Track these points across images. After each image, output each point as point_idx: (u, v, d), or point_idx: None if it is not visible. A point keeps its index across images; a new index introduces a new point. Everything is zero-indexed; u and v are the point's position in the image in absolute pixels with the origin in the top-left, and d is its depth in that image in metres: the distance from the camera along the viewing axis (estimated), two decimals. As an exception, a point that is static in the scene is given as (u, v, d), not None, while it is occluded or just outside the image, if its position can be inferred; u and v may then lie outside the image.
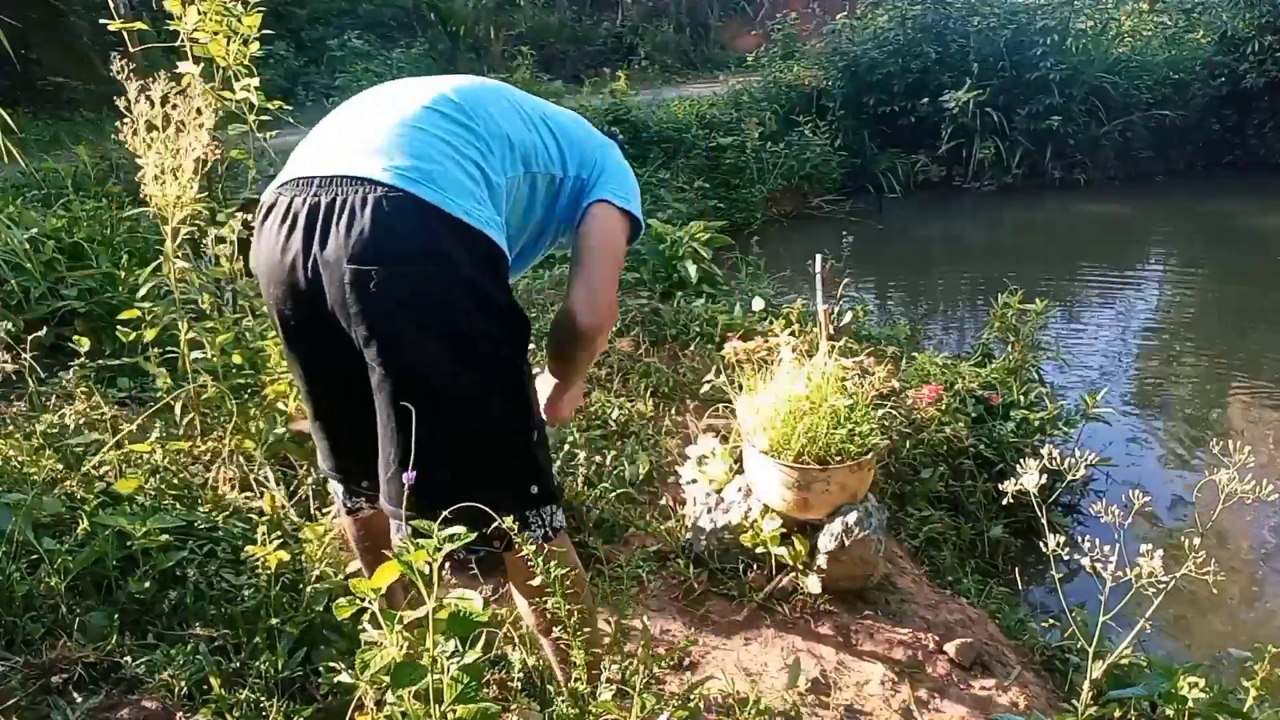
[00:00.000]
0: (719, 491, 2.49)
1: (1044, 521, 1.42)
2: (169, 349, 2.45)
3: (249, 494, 2.26)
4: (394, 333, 1.29)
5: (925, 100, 10.17)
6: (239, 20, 2.48)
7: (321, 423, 1.52)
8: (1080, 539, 1.35)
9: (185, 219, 2.28)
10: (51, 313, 3.23)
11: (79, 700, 1.52)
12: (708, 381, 2.62)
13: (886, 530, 2.39)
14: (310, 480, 2.30)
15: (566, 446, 2.76)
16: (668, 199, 7.68)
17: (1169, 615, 2.92)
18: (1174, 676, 1.71)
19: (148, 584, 1.79)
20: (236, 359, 2.49)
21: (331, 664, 1.37)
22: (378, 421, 1.36)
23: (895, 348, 4.00)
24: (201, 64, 2.48)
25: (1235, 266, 7.63)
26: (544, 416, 1.65)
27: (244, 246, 2.57)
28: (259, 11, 2.51)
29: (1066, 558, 1.41)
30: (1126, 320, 6.31)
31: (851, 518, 2.21)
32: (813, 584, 2.26)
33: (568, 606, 1.32)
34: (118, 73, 2.14)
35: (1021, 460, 1.52)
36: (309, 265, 1.28)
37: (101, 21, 2.96)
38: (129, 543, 1.81)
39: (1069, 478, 1.39)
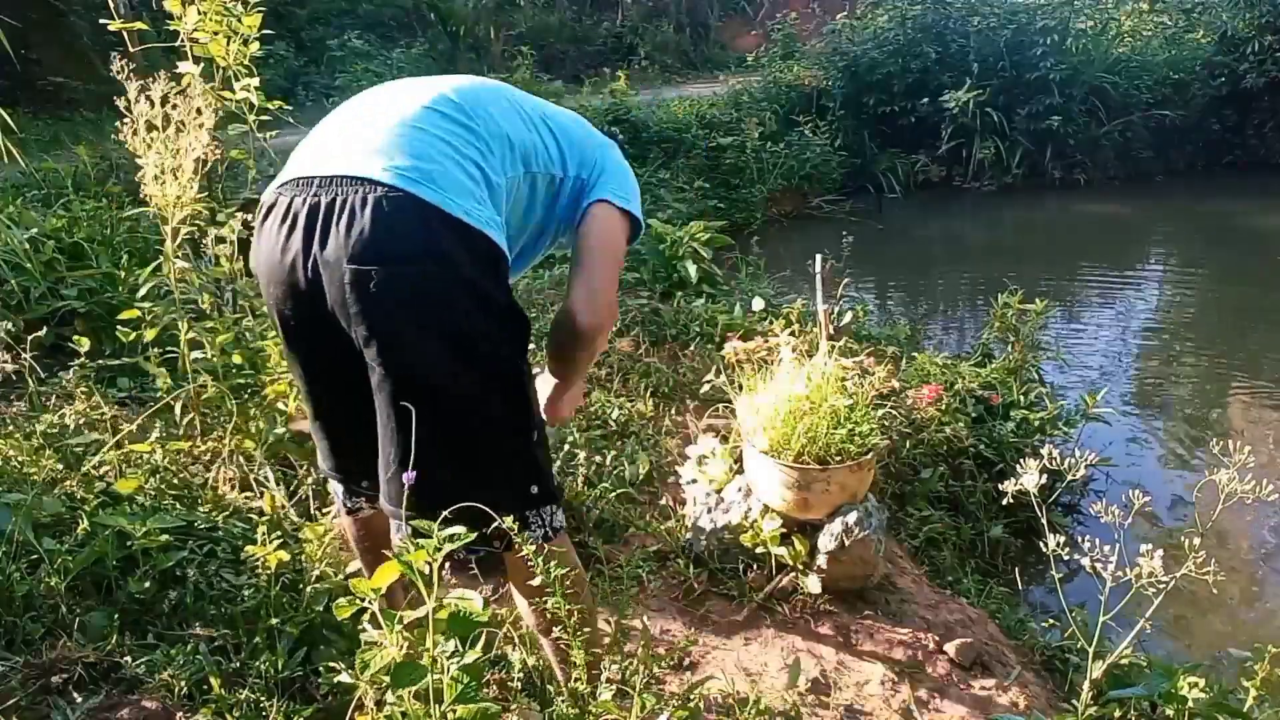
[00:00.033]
0: (719, 491, 2.49)
1: (1044, 521, 1.42)
2: (169, 349, 2.45)
3: (249, 494, 2.26)
4: (394, 333, 1.29)
5: (925, 100, 10.17)
6: (239, 20, 2.48)
7: (321, 423, 1.52)
8: (1080, 539, 1.35)
9: (185, 219, 2.28)
10: (51, 313, 3.23)
11: (79, 700, 1.52)
12: (708, 381, 2.62)
13: (886, 530, 2.39)
14: (310, 480, 2.30)
15: (566, 446, 2.76)
16: (668, 199, 7.68)
17: (1169, 615, 2.92)
18: (1174, 676, 1.70)
19: (148, 584, 1.79)
20: (236, 359, 2.49)
21: (331, 664, 1.37)
22: (378, 421, 1.36)
23: (895, 348, 4.00)
24: (201, 64, 2.48)
25: (1235, 266, 7.63)
26: (544, 417, 1.65)
27: (244, 246, 2.58)
28: (259, 11, 2.51)
29: (1066, 558, 1.41)
30: (1126, 320, 6.31)
31: (851, 518, 2.21)
32: (813, 584, 2.26)
33: (567, 606, 1.32)
34: (117, 72, 2.14)
35: (1021, 460, 1.52)
36: (309, 265, 1.28)
37: (101, 21, 2.96)
38: (129, 543, 1.81)
39: (1069, 478, 1.40)
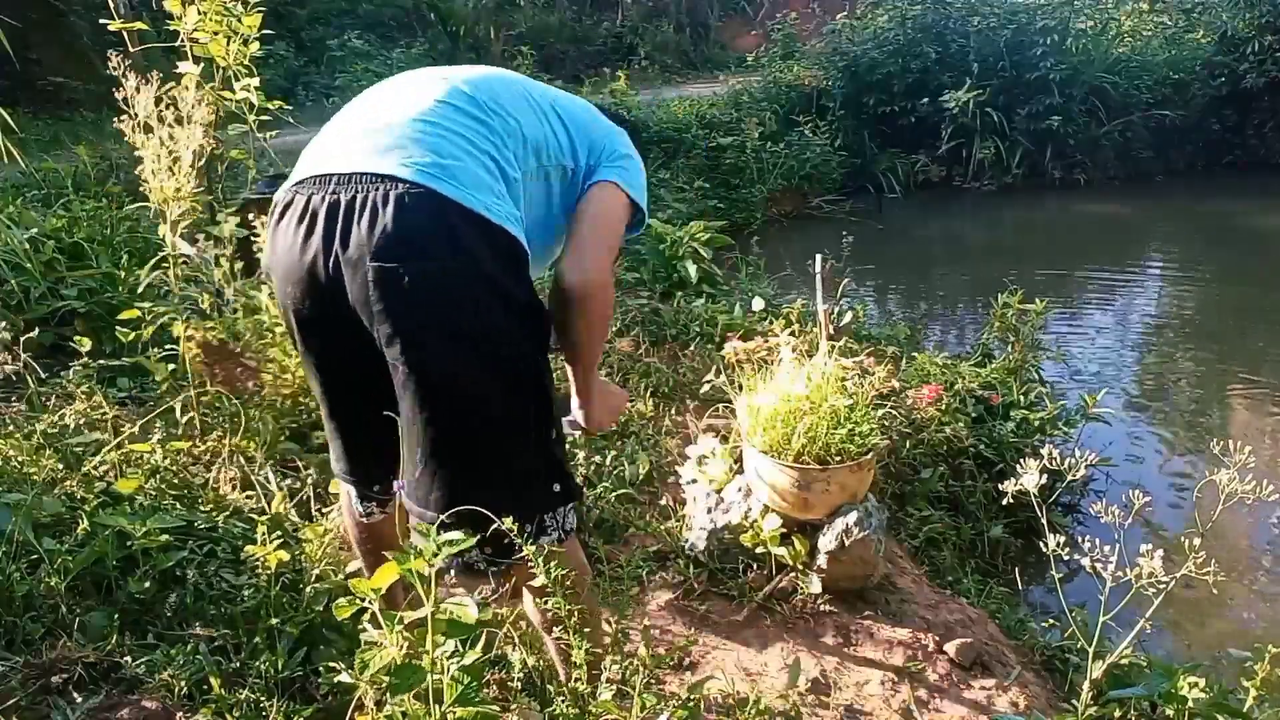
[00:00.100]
0: (719, 491, 2.49)
1: (1044, 521, 1.42)
2: (170, 348, 2.45)
3: (249, 494, 2.26)
4: (416, 330, 1.27)
5: (925, 100, 10.16)
6: (239, 20, 2.48)
7: (336, 424, 1.51)
8: (1080, 539, 1.35)
9: (184, 213, 2.28)
10: (51, 313, 3.23)
11: (79, 700, 1.52)
12: (708, 381, 2.62)
13: (886, 530, 2.39)
14: (311, 480, 2.30)
15: (566, 446, 2.76)
16: (668, 199, 7.68)
17: (1169, 615, 2.91)
18: (1174, 676, 1.70)
19: (148, 584, 1.79)
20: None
21: (331, 664, 1.36)
22: (401, 420, 1.35)
23: (895, 348, 4.00)
24: (201, 64, 2.48)
25: (1235, 266, 7.63)
26: (583, 427, 1.65)
27: (244, 246, 2.59)
28: (259, 11, 2.51)
29: (1066, 558, 1.41)
30: (1126, 320, 6.31)
31: (851, 518, 2.21)
32: (813, 584, 2.27)
33: (577, 607, 1.32)
34: (114, 69, 2.13)
35: (1021, 460, 1.52)
36: (330, 264, 1.27)
37: (101, 21, 2.96)
38: (129, 543, 1.81)
39: (1069, 478, 1.40)
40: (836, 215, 9.10)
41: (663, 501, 2.77)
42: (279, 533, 1.86)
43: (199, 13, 2.45)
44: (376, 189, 1.25)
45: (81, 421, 2.36)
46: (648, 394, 3.41)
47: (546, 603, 1.33)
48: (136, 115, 2.12)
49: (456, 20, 13.56)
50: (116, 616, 1.72)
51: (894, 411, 3.15)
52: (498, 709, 1.16)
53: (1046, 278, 7.14)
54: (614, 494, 2.65)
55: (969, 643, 2.20)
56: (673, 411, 3.37)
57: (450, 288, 1.27)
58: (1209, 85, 10.65)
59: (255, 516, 2.05)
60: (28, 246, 3.38)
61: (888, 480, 3.05)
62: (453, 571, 1.41)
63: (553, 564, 1.29)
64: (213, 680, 1.51)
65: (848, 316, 3.05)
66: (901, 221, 9.57)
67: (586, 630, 1.38)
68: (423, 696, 1.12)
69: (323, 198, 1.28)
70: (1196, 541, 1.32)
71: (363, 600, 1.14)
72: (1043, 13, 10.59)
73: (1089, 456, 1.47)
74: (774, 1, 14.63)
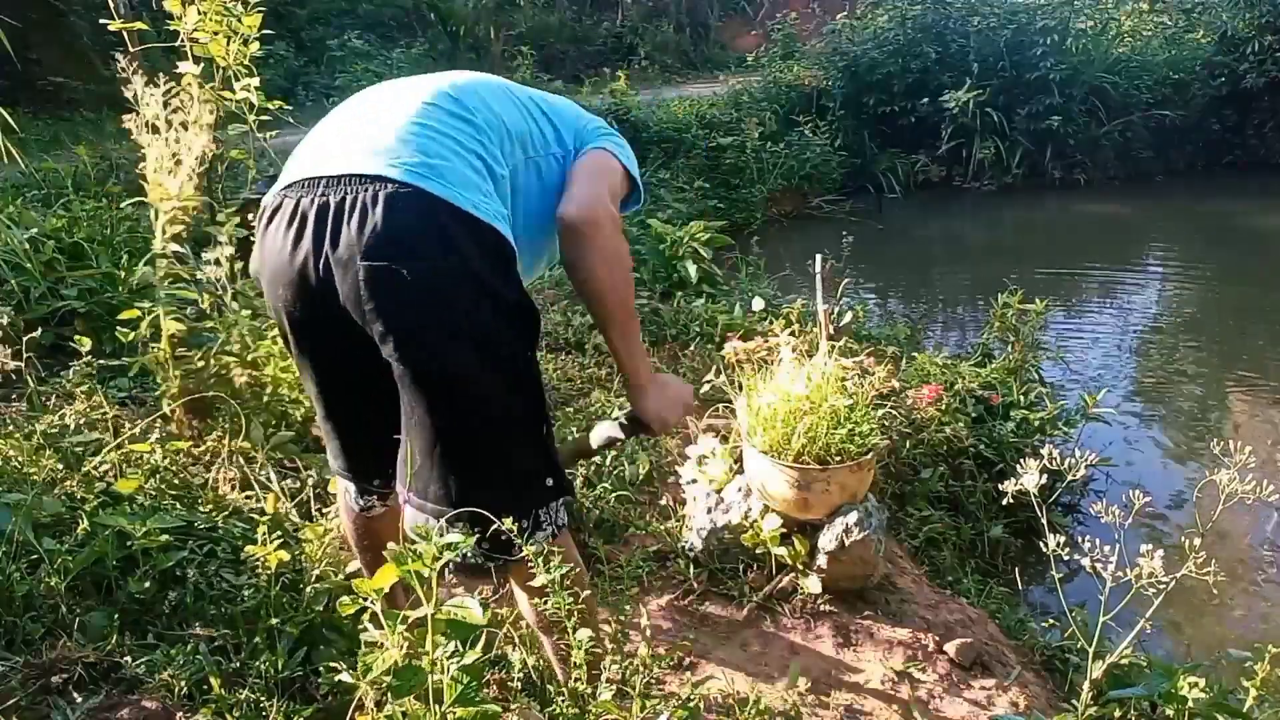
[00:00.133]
0: (719, 491, 2.49)
1: (1044, 521, 1.42)
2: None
3: (249, 494, 2.26)
4: (409, 328, 1.28)
5: (925, 100, 10.16)
6: (239, 20, 2.48)
7: (332, 423, 1.52)
8: (1080, 539, 1.35)
9: (176, 214, 2.28)
10: (51, 313, 3.23)
11: (79, 700, 1.51)
12: (708, 381, 2.62)
13: (886, 530, 2.39)
14: (311, 480, 2.30)
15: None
16: (668, 199, 7.68)
17: (1169, 615, 2.91)
18: (1174, 676, 1.70)
19: (148, 584, 1.79)
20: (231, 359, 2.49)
21: (331, 664, 1.37)
22: (402, 415, 1.36)
23: (895, 348, 4.00)
24: (201, 64, 2.48)
25: (1235, 266, 7.63)
26: (644, 424, 1.61)
27: (244, 246, 2.58)
28: (259, 11, 2.51)
29: (1066, 558, 1.41)
30: (1126, 320, 6.31)
31: (851, 518, 2.21)
32: (813, 584, 2.26)
33: (578, 607, 1.32)
34: (121, 70, 2.14)
35: (1021, 460, 1.52)
36: (320, 265, 1.28)
37: (101, 21, 2.96)
38: (129, 543, 1.81)
39: (1069, 478, 1.40)
40: (836, 215, 9.10)
41: (663, 501, 2.77)
42: (279, 533, 1.86)
43: (199, 13, 2.45)
44: (366, 190, 1.26)
45: (81, 421, 2.36)
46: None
47: (546, 602, 1.33)
48: (143, 115, 2.13)
49: (456, 20, 13.56)
50: (116, 616, 1.72)
51: (894, 411, 3.14)
52: (498, 709, 1.16)
53: (1046, 278, 7.14)
54: (614, 494, 2.65)
55: (969, 643, 2.20)
56: (673, 411, 3.37)
57: (441, 287, 1.28)
58: (1209, 85, 10.65)
59: (255, 516, 2.05)
60: (28, 246, 3.38)
61: (888, 480, 3.05)
62: (450, 568, 1.41)
63: (554, 563, 1.30)
64: (213, 680, 1.51)
65: (848, 316, 3.05)
66: (901, 221, 9.57)
67: (584, 627, 1.38)
68: (423, 696, 1.12)
69: (312, 200, 1.28)
70: (1196, 541, 1.32)
71: (364, 600, 1.14)
72: (1043, 13, 10.60)
73: (1089, 456, 1.47)
74: (774, 1, 14.62)
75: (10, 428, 2.34)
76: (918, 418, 3.24)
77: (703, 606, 2.29)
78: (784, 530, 2.28)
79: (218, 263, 2.47)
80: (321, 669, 1.61)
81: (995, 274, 6.89)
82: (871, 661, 2.14)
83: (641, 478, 2.81)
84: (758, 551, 2.33)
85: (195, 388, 2.37)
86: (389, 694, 1.12)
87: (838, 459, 2.21)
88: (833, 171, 9.79)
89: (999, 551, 3.11)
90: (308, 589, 1.81)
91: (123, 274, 3.38)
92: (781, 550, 2.28)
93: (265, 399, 2.51)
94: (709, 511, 2.45)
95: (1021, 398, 3.58)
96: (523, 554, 1.31)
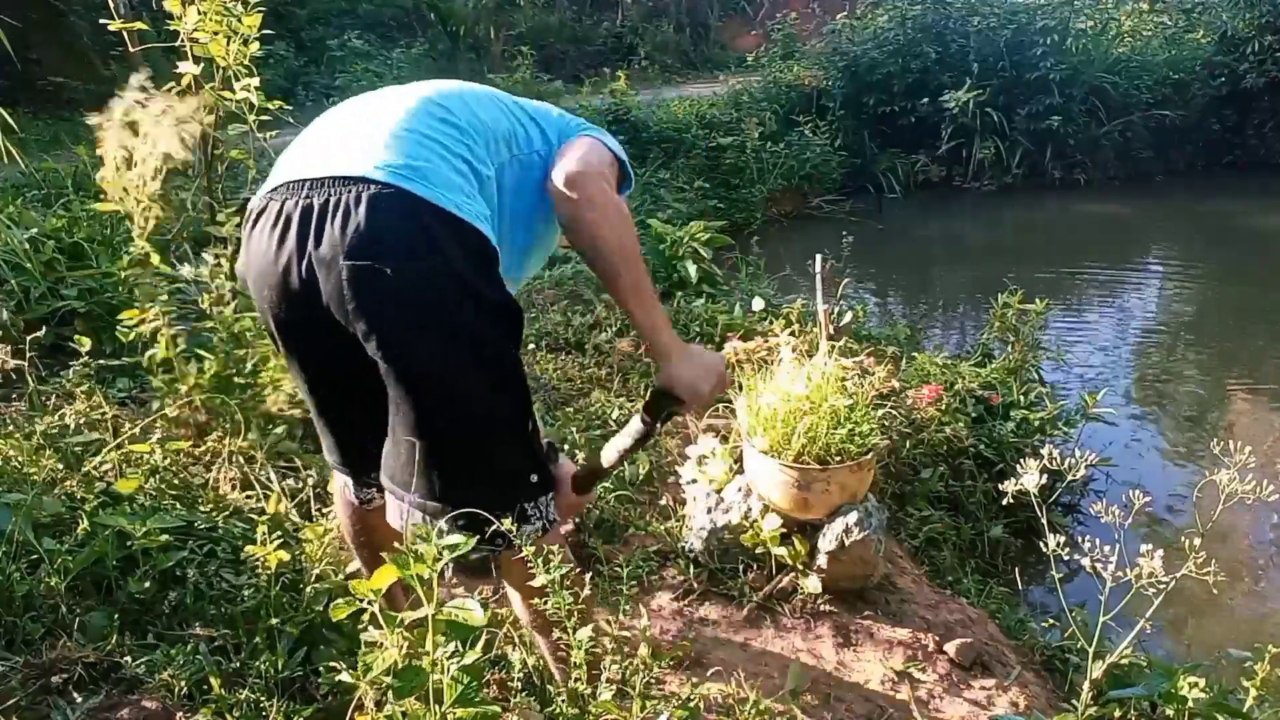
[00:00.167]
0: (719, 491, 2.49)
1: (1044, 521, 1.42)
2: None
3: (249, 494, 2.26)
4: (392, 327, 1.29)
5: (925, 100, 10.16)
6: (239, 20, 2.48)
7: (325, 421, 1.54)
8: (1080, 539, 1.35)
9: (147, 212, 2.28)
10: (51, 313, 3.23)
11: (79, 700, 1.52)
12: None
13: (886, 530, 2.39)
14: (311, 480, 2.30)
15: (566, 446, 2.76)
16: (668, 199, 7.68)
17: (1169, 615, 2.91)
18: (1174, 676, 1.70)
19: (148, 584, 1.79)
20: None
21: (331, 664, 1.37)
22: (389, 410, 1.37)
23: (895, 348, 4.00)
24: (201, 64, 2.48)
25: (1235, 266, 7.63)
26: (676, 399, 1.54)
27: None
28: (259, 11, 2.51)
29: (1066, 558, 1.41)
30: (1126, 320, 6.31)
31: (851, 518, 2.21)
32: (813, 584, 2.26)
33: (578, 606, 1.32)
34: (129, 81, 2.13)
35: (1021, 460, 1.52)
36: (304, 265, 1.29)
37: (101, 21, 2.97)
38: (129, 543, 1.81)
39: (1069, 478, 1.39)
40: (836, 215, 9.10)
41: (662, 501, 2.77)
42: (279, 533, 1.87)
43: (199, 13, 2.45)
44: (349, 191, 1.27)
45: (81, 421, 2.36)
46: (648, 394, 3.40)
47: (540, 601, 1.34)
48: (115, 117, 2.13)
49: (456, 20, 13.56)
50: (116, 616, 1.72)
51: (894, 411, 3.15)
52: (498, 709, 1.16)
53: (1046, 278, 7.14)
54: (613, 494, 2.65)
55: (969, 643, 2.20)
56: (673, 411, 3.37)
57: (424, 287, 1.29)
58: (1209, 85, 10.64)
59: (255, 516, 2.05)
60: (28, 246, 3.38)
61: (888, 480, 3.05)
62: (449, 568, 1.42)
63: (553, 562, 1.30)
64: (213, 680, 1.51)
65: (848, 316, 3.05)
66: (901, 221, 9.57)
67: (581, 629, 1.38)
68: (423, 696, 1.12)
69: (296, 202, 1.30)
70: (1196, 541, 1.32)
71: (363, 601, 1.14)
72: (1043, 13, 10.59)
73: (1089, 456, 1.47)
74: (774, 1, 14.62)
75: (10, 428, 2.34)
76: (918, 418, 3.24)
77: (703, 606, 2.29)
78: (784, 530, 2.28)
79: (213, 260, 2.47)
80: (321, 669, 1.61)
81: (995, 274, 6.89)
82: (871, 661, 2.14)
83: (641, 478, 2.81)
84: (758, 551, 2.33)
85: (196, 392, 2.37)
86: (389, 694, 1.12)
87: (838, 459, 2.21)
88: (833, 171, 9.78)
89: (999, 551, 3.11)
90: (308, 589, 1.81)
91: (122, 274, 3.38)
92: (781, 550, 2.28)
93: (265, 400, 2.51)
94: (709, 511, 2.45)
95: (1021, 398, 3.58)
96: (511, 544, 1.32)
